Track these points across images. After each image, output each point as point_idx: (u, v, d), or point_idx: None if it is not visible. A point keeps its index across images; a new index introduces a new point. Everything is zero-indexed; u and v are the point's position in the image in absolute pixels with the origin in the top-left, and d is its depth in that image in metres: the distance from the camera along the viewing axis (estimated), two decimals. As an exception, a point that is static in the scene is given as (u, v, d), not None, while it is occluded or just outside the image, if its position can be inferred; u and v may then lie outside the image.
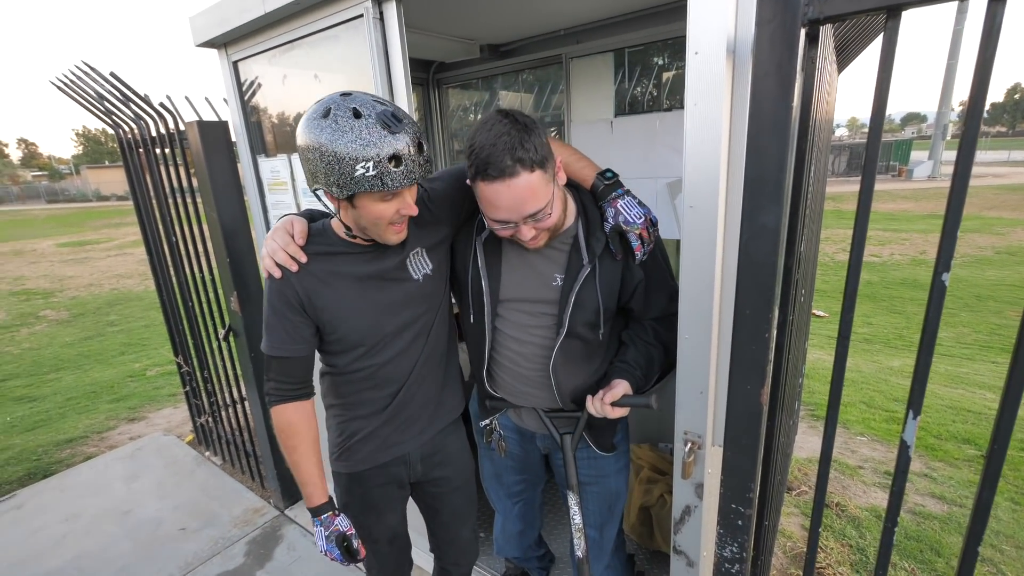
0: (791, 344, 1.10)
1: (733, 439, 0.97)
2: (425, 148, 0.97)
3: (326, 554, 1.20)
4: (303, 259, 1.09)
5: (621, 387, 1.19)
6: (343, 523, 1.21)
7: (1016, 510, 2.45)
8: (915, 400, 0.86)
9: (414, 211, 1.02)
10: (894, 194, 19.29)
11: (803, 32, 0.77)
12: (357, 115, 0.91)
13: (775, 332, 0.90)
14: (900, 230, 13.15)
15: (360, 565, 1.42)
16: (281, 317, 1.10)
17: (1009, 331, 6.41)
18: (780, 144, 0.79)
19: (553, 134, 2.81)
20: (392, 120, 0.92)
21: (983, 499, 0.84)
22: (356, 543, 1.21)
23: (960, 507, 2.43)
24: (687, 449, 1.12)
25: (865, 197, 0.82)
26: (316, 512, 1.19)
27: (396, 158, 0.91)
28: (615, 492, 1.45)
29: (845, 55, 1.99)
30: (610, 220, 1.15)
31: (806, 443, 3.14)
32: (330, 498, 1.21)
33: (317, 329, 1.14)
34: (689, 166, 0.97)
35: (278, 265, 1.09)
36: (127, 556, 2.24)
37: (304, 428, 1.16)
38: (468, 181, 1.07)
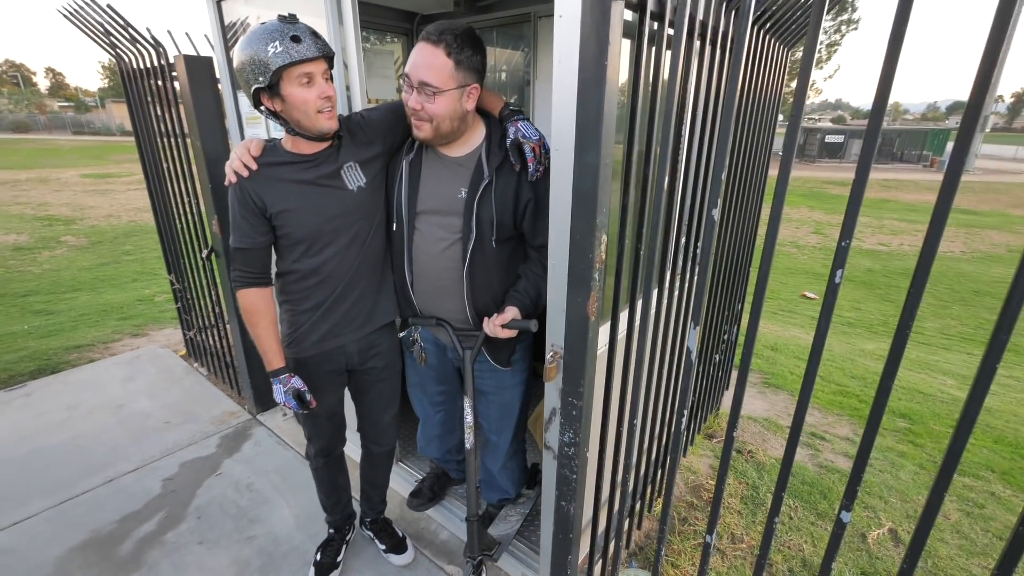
0: (644, 275, 1.29)
1: (569, 344, 1.19)
2: (321, 37, 1.25)
3: (284, 404, 1.47)
4: (253, 166, 1.36)
5: (511, 312, 1.43)
6: (297, 382, 1.48)
7: (919, 474, 2.66)
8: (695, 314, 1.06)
9: (332, 91, 1.29)
10: (920, 184, 18.71)
11: (621, 4, 0.94)
12: (260, 25, 1.21)
13: (600, 253, 1.09)
14: (916, 221, 12.91)
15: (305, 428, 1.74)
16: (241, 215, 1.37)
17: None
18: (598, 95, 0.97)
19: (513, 98, 2.97)
20: (287, 17, 1.22)
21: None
22: (308, 396, 1.49)
23: (868, 467, 2.64)
24: (550, 356, 1.34)
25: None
26: (275, 374, 1.46)
27: (296, 38, 1.20)
28: (510, 403, 1.70)
29: (790, 32, 2.08)
30: (511, 135, 1.37)
31: (748, 405, 3.36)
32: (287, 362, 1.48)
33: (272, 226, 1.40)
34: (555, 114, 1.14)
35: (235, 172, 1.35)
36: (118, 439, 2.59)
37: (263, 308, 1.45)
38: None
